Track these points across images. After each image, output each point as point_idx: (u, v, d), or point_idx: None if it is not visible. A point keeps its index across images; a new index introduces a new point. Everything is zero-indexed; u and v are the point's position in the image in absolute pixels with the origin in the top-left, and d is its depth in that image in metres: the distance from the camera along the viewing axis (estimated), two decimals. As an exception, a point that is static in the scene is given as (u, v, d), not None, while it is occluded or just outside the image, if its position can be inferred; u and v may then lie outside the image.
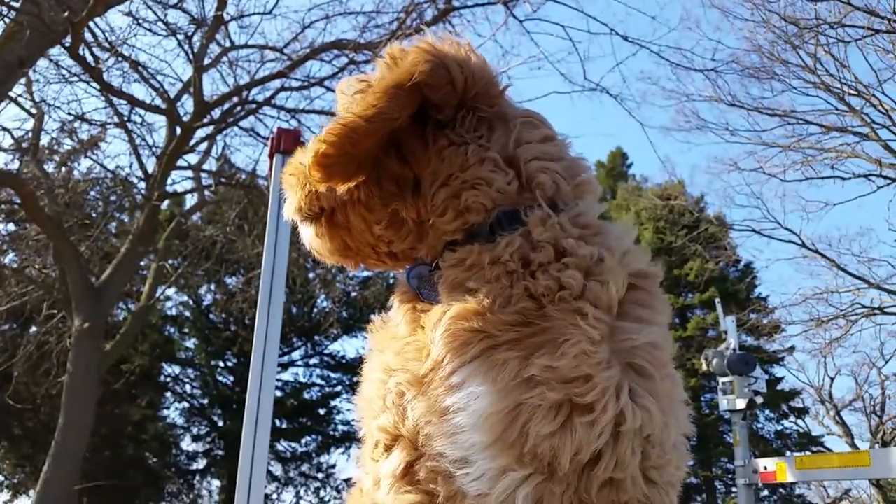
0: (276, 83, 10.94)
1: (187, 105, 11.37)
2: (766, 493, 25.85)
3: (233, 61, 11.33)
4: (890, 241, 25.51)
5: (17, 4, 8.84)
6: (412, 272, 1.22)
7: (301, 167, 1.29)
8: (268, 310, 2.63)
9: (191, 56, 10.46)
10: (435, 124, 1.18)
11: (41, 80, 10.93)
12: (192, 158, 12.46)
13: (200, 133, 11.44)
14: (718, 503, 25.50)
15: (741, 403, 7.10)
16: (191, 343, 24.48)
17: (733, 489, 23.85)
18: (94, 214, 13.10)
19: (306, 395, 24.67)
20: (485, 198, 1.12)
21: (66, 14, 8.00)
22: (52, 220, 9.99)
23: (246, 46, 11.39)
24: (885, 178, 15.17)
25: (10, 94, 10.07)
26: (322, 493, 24.24)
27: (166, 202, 13.91)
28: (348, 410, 24.86)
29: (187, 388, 24.58)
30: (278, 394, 23.44)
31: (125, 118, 11.09)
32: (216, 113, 11.06)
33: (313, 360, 25.22)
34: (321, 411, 24.51)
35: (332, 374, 24.92)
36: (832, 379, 24.70)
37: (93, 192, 13.00)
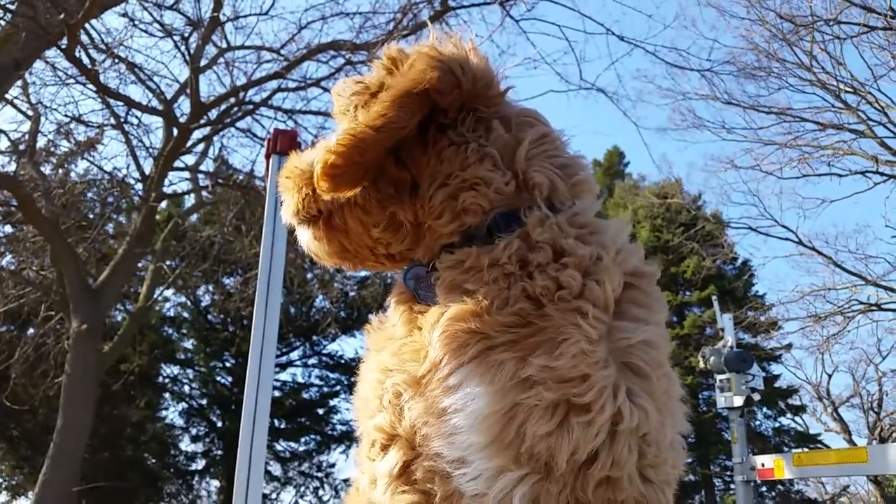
0: (273, 84, 10.96)
1: (184, 106, 11.39)
2: (764, 489, 25.91)
3: (229, 62, 11.35)
4: (887, 238, 25.57)
5: (12, 7, 8.84)
6: (409, 273, 1.22)
7: (297, 170, 1.29)
8: (265, 310, 2.64)
9: (187, 57, 10.47)
10: (437, 127, 1.18)
11: (37, 83, 10.93)
12: (189, 159, 12.49)
13: (197, 134, 11.46)
14: (717, 500, 25.53)
15: (738, 400, 7.12)
16: (189, 344, 24.47)
17: (732, 486, 23.89)
18: (91, 216, 13.09)
19: (305, 395, 24.67)
20: (483, 199, 1.13)
21: (62, 16, 7.99)
22: (49, 221, 9.98)
23: (242, 47, 11.40)
24: (882, 174, 15.21)
25: (7, 96, 10.07)
26: (321, 493, 24.25)
27: (164, 203, 13.90)
28: (347, 410, 24.85)
29: (186, 388, 24.57)
30: (277, 394, 23.43)
31: (122, 120, 11.08)
32: (213, 114, 11.07)
33: (312, 360, 25.24)
34: (320, 411, 24.51)
35: (331, 374, 24.92)
36: (830, 376, 24.80)
37: (90, 194, 12.98)
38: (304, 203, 1.28)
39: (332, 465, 24.49)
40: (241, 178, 12.06)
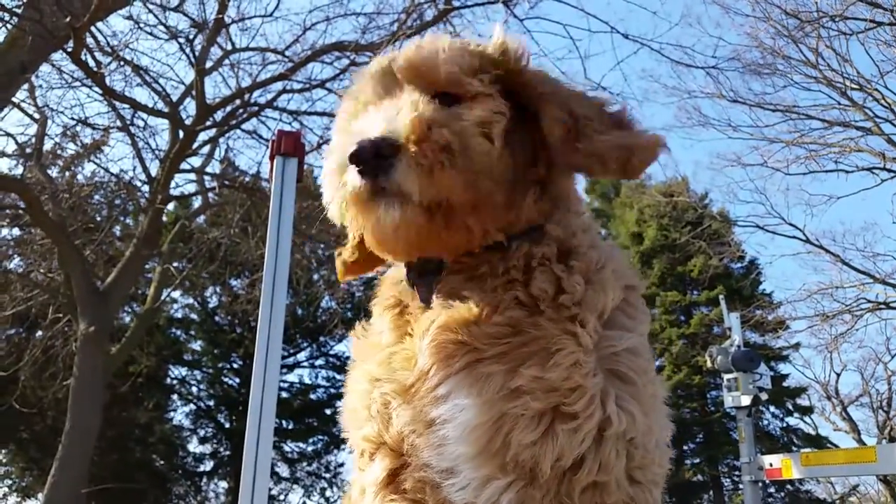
0: (278, 85, 10.98)
1: (189, 108, 11.42)
2: (773, 489, 25.79)
3: (234, 64, 11.37)
4: (894, 235, 25.45)
5: (18, 10, 8.87)
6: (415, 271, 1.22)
7: None
8: (270, 311, 2.64)
9: (192, 59, 10.49)
10: None
11: (44, 86, 10.98)
12: (196, 161, 12.52)
13: (203, 136, 11.46)
14: (726, 500, 25.43)
15: (746, 400, 7.09)
16: (197, 345, 24.54)
17: (740, 486, 23.82)
18: (98, 218, 13.15)
19: (312, 396, 24.72)
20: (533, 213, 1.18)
21: (68, 19, 8.02)
22: (56, 224, 10.02)
23: (247, 49, 11.42)
24: (889, 171, 15.11)
25: (13, 99, 10.12)
26: (328, 493, 24.29)
27: (170, 205, 13.95)
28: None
29: (194, 390, 24.64)
30: (284, 395, 23.49)
31: (128, 122, 11.12)
32: (218, 116, 11.09)
33: (319, 361, 25.28)
34: (327, 412, 24.54)
35: (338, 375, 24.94)
36: (838, 375, 24.64)
37: (97, 197, 13.04)
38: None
39: (341, 466, 24.54)
40: (247, 179, 12.09)
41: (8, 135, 11.00)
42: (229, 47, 11.42)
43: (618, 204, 28.45)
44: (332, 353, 25.17)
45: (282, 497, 24.28)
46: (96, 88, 10.12)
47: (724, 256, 19.52)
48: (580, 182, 1.30)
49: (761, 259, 24.50)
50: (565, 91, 1.18)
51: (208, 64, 10.91)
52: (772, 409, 25.85)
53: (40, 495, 9.79)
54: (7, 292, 11.89)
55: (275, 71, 11.00)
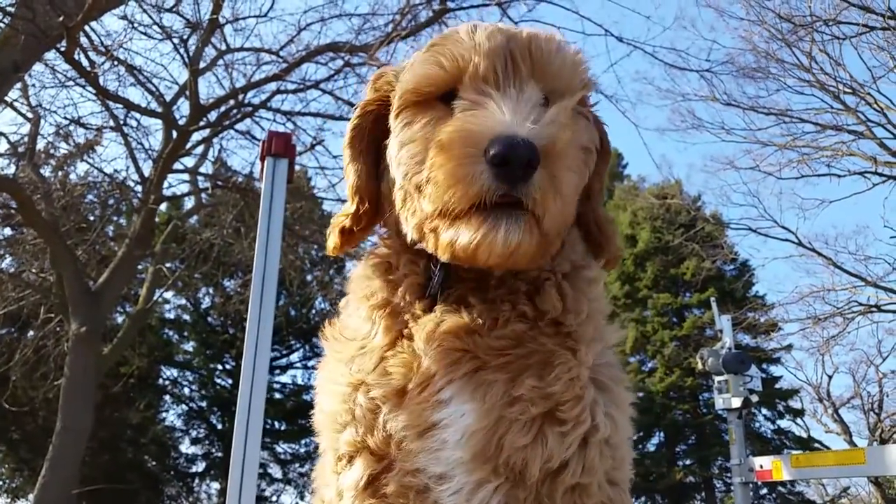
0: (272, 86, 10.96)
1: (183, 108, 11.39)
2: (765, 491, 25.86)
3: (228, 64, 11.35)
4: (886, 239, 25.54)
5: (11, 9, 8.85)
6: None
7: None
8: (259, 311, 2.65)
9: (186, 59, 10.47)
10: None
11: (37, 85, 10.94)
12: (189, 162, 12.48)
13: (196, 136, 11.44)
14: (717, 502, 25.50)
15: (736, 402, 7.11)
16: (189, 346, 24.49)
17: (732, 488, 23.87)
18: (90, 218, 13.10)
19: (305, 397, 24.65)
20: None
21: (61, 18, 8.00)
22: (48, 224, 9.99)
23: (241, 49, 11.40)
24: (881, 175, 15.19)
25: (6, 98, 10.08)
26: (321, 495, 24.23)
27: (163, 206, 13.92)
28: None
29: (186, 390, 24.58)
30: (277, 396, 23.47)
31: (121, 122, 11.09)
32: (212, 116, 11.07)
33: (312, 362, 25.19)
34: (320, 413, 24.49)
35: (331, 376, 24.91)
36: (830, 377, 24.71)
37: (89, 196, 13.00)
38: None
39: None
40: (240, 180, 12.07)
41: (1, 134, 10.97)
42: (223, 47, 11.41)
43: (611, 206, 28.49)
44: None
45: (274, 498, 24.25)
46: (90, 88, 10.09)
47: (717, 259, 19.60)
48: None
49: (754, 262, 24.61)
50: None
51: (202, 64, 10.89)
52: (764, 411, 25.93)
53: (31, 496, 9.73)
54: (-2, 292, 11.86)
55: (269, 71, 10.99)
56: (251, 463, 2.42)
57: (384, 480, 1.05)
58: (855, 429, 24.81)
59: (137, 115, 11.10)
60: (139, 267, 12.91)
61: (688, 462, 25.51)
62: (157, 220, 12.62)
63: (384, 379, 1.07)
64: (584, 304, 1.11)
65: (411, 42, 10.44)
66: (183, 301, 23.15)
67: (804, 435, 25.68)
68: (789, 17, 14.51)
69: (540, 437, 1.01)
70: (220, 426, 23.53)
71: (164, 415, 24.36)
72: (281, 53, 11.05)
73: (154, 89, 10.98)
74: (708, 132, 16.78)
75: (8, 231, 12.68)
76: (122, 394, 18.49)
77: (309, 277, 15.30)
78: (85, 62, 9.51)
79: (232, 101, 11.04)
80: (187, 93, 10.64)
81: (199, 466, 24.14)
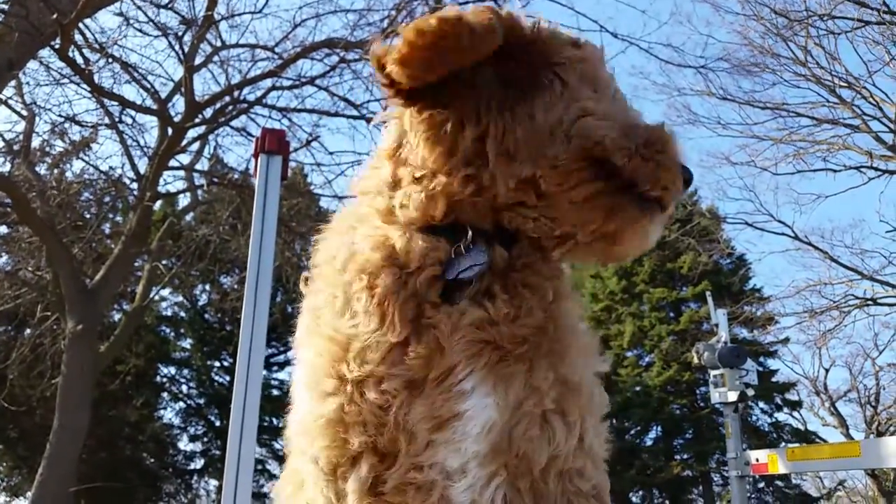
0: (268, 82, 10.93)
1: (178, 105, 11.36)
2: (762, 484, 25.95)
3: (224, 61, 11.33)
4: (881, 233, 25.60)
5: (5, 6, 8.83)
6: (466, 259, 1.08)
7: None
8: (254, 308, 2.65)
9: (181, 56, 10.44)
10: None
11: (31, 83, 10.91)
12: (185, 159, 12.44)
13: (192, 133, 11.41)
14: (715, 496, 25.58)
15: (732, 396, 7.14)
16: (186, 343, 24.48)
17: (729, 482, 23.91)
18: (86, 216, 13.08)
19: (303, 394, 24.68)
20: None
21: (55, 16, 7.97)
22: (44, 222, 9.97)
23: (237, 46, 11.38)
24: (876, 169, 15.24)
25: (1, 96, 10.05)
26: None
27: (159, 203, 13.89)
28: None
29: (183, 388, 24.58)
30: (276, 392, 23.48)
31: (116, 119, 11.05)
32: (208, 113, 11.04)
33: (309, 359, 25.22)
34: (318, 409, 24.50)
35: (329, 373, 24.90)
36: (827, 370, 24.82)
37: (85, 194, 12.98)
38: None
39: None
40: (236, 176, 12.06)
41: (-5, 132, 10.94)
42: (219, 44, 11.38)
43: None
44: (322, 350, 25.11)
45: (273, 495, 24.24)
46: (84, 85, 10.07)
47: (713, 253, 19.63)
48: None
49: (750, 256, 24.63)
50: None
51: (197, 60, 10.86)
52: (761, 404, 26.00)
53: (29, 494, 9.73)
54: (-5, 290, 11.85)
55: (264, 68, 10.97)
56: (247, 460, 2.42)
57: (383, 478, 1.03)
58: (852, 422, 24.95)
59: (133, 113, 11.08)
60: (135, 264, 12.88)
61: (685, 456, 25.57)
62: (153, 217, 12.61)
63: (398, 369, 1.02)
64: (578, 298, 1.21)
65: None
66: (180, 298, 23.14)
67: (802, 427, 25.79)
68: (785, 12, 14.54)
69: (547, 429, 1.03)
70: (217, 423, 23.52)
71: (161, 412, 24.38)
72: (276, 50, 11.02)
73: (149, 86, 10.95)
74: (704, 127, 16.84)
75: (4, 229, 12.66)
76: (119, 391, 18.49)
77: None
78: (80, 59, 9.49)
79: (227, 98, 11.02)
80: (182, 89, 10.61)
81: (198, 463, 24.16)
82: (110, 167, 12.45)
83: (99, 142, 11.98)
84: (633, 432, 26.16)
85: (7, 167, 11.32)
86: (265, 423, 22.98)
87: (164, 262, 12.88)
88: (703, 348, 7.42)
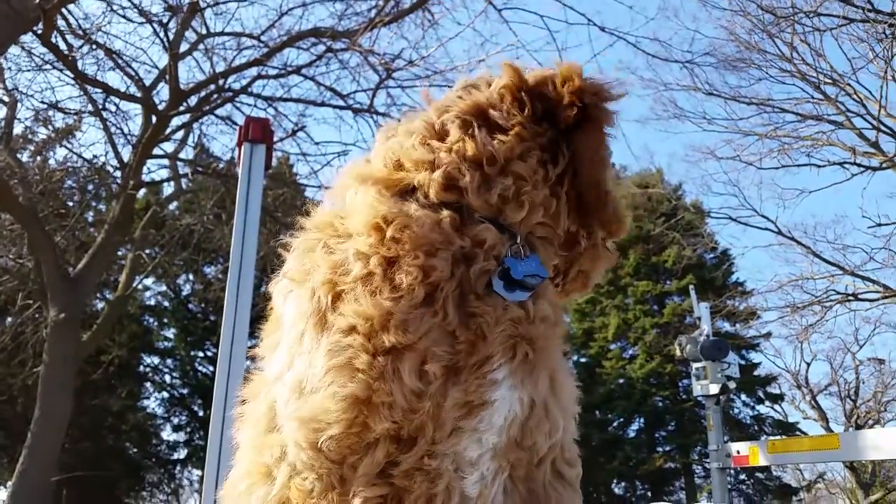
0: (253, 71, 10.83)
1: (163, 93, 11.25)
2: (743, 476, 26.22)
3: (209, 49, 11.22)
4: (863, 229, 25.84)
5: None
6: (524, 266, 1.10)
7: None
8: (236, 298, 2.64)
9: (166, 43, 10.34)
10: None
11: (13, 68, 10.75)
12: (169, 147, 12.34)
13: (176, 121, 11.32)
14: (697, 487, 25.83)
15: (714, 389, 7.19)
16: (170, 333, 24.37)
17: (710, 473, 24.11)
18: (69, 204, 12.97)
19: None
20: None
21: (38, 1, 7.87)
22: (26, 209, 9.87)
23: (222, 34, 11.26)
24: (859, 165, 15.36)
25: (-18, 81, 9.93)
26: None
27: (142, 191, 13.79)
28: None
29: (167, 378, 24.49)
30: (259, 383, 23.40)
31: (100, 106, 10.94)
32: (192, 101, 10.95)
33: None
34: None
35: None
36: (808, 364, 25.08)
37: (68, 182, 12.85)
38: None
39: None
40: (220, 165, 11.98)
41: (-24, 118, 10.81)
42: (204, 31, 11.26)
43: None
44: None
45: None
46: (68, 72, 9.96)
47: (697, 247, 19.75)
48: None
49: (734, 250, 24.81)
50: None
51: (182, 48, 10.75)
52: (743, 397, 26.26)
53: (9, 483, 9.67)
54: (-25, 278, 11.73)
55: (250, 56, 10.87)
56: (228, 450, 2.42)
57: (397, 460, 0.99)
58: (832, 415, 25.25)
59: (116, 100, 10.96)
60: (118, 253, 12.80)
61: (667, 448, 25.80)
62: (136, 205, 12.50)
63: (443, 349, 1.00)
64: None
65: (394, 28, 10.38)
66: (163, 288, 23.02)
67: (783, 420, 26.07)
68: (771, 9, 14.58)
69: (549, 419, 1.06)
70: (201, 413, 23.46)
71: (144, 402, 24.31)
72: (262, 38, 10.94)
73: (133, 73, 10.83)
74: (689, 122, 16.89)
75: (-15, 217, 12.52)
76: (102, 381, 18.38)
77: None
78: (63, 45, 9.38)
79: (212, 86, 10.93)
80: (167, 77, 10.51)
81: (181, 453, 24.11)
82: (94, 155, 12.37)
83: (82, 129, 11.87)
84: (616, 424, 26.36)
85: (-12, 154, 11.19)
86: (249, 414, 22.90)
87: (147, 251, 12.80)
88: (686, 341, 7.46)
